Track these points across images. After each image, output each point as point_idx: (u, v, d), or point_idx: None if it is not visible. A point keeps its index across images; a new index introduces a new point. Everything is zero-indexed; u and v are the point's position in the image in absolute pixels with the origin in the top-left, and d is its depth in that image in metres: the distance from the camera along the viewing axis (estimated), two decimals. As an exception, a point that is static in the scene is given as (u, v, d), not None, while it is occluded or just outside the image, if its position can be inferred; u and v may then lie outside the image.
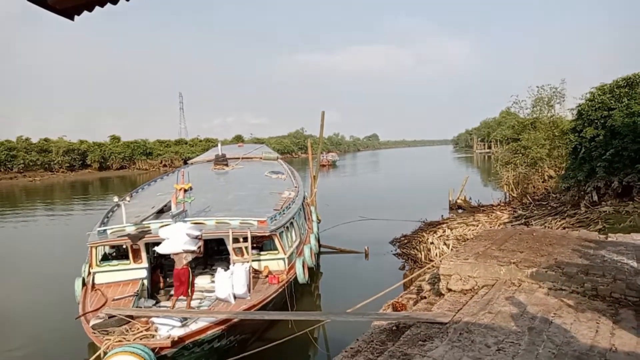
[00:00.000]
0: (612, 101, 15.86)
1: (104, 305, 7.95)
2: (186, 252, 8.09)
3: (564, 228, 12.02)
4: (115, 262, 9.34)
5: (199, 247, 8.29)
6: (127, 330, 6.66)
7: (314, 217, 15.45)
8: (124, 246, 9.33)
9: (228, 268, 8.61)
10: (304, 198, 14.45)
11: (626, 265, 6.49)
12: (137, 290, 8.59)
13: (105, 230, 9.21)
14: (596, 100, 16.43)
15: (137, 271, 9.12)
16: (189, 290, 8.16)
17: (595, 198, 15.41)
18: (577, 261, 6.80)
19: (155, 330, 6.71)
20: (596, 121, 15.99)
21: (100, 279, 9.07)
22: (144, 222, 9.26)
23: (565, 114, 24.67)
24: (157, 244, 10.34)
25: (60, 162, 63.71)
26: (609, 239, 8.50)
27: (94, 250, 9.12)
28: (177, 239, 8.08)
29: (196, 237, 8.30)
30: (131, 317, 7.00)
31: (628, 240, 8.18)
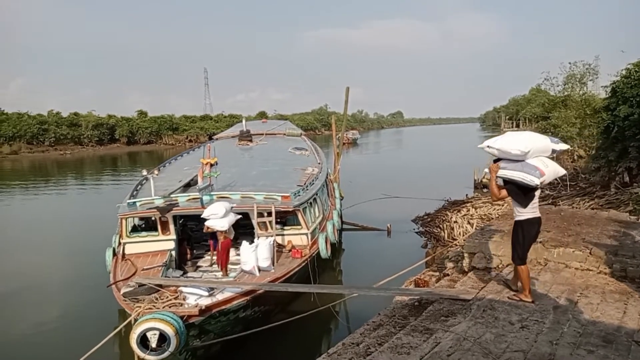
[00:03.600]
0: (650, 78, 15.18)
1: (133, 274, 8.21)
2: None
3: (593, 209, 11.75)
4: (144, 233, 9.61)
5: None
6: (156, 299, 6.87)
7: (337, 194, 15.48)
8: (153, 218, 9.58)
9: (253, 242, 8.76)
10: (327, 175, 14.48)
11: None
12: (166, 261, 8.83)
13: (134, 202, 9.46)
14: (632, 77, 15.72)
15: (165, 242, 9.37)
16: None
17: (627, 179, 14.96)
18: (605, 242, 6.68)
19: (184, 299, 6.91)
20: (631, 99, 15.33)
21: (130, 249, 9.36)
22: (172, 195, 9.47)
23: (599, 91, 23.77)
24: (185, 216, 10.61)
25: (89, 136, 64.99)
26: (640, 221, 8.31)
27: (124, 221, 9.39)
28: (228, 214, 8.52)
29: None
30: (160, 286, 7.22)
31: (661, 222, 7.97)
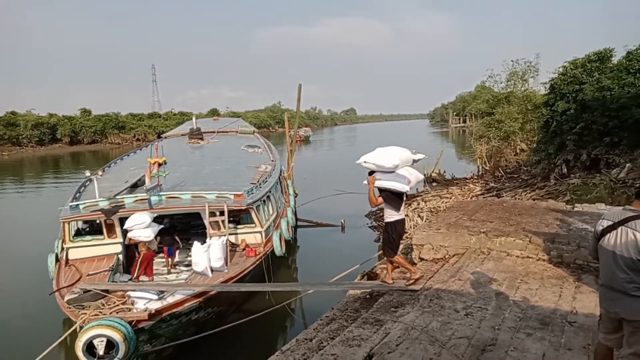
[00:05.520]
0: (583, 75, 16.15)
1: (78, 280, 7.87)
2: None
3: (534, 199, 12.39)
4: (89, 237, 9.21)
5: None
6: (103, 305, 6.63)
7: (291, 191, 15.49)
8: (98, 221, 9.20)
9: (205, 242, 8.61)
10: (280, 172, 14.44)
11: (590, 233, 6.76)
12: (112, 265, 8.52)
13: (77, 205, 9.04)
14: (568, 74, 16.70)
15: (111, 246, 9.02)
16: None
17: (565, 170, 15.87)
18: (544, 230, 7.06)
19: (132, 304, 6.70)
20: (568, 95, 16.29)
21: (74, 254, 8.95)
22: (117, 197, 9.13)
23: (539, 88, 25.02)
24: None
25: (29, 136, 61.39)
26: (576, 209, 8.83)
27: (66, 225, 8.97)
28: (150, 225, 8.31)
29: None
30: (107, 291, 6.97)
31: (593, 210, 8.51)
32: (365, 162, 5.90)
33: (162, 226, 8.92)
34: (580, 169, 15.31)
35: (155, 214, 8.78)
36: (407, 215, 14.77)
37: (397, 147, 6.08)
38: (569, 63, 17.12)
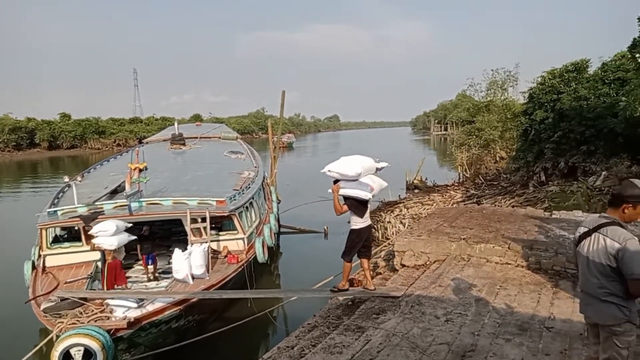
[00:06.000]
0: (561, 85, 16.54)
1: (55, 288, 7.71)
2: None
3: (513, 206, 12.59)
4: (67, 244, 9.04)
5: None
6: (80, 313, 6.51)
7: (274, 197, 15.44)
8: (76, 228, 9.04)
9: (186, 249, 8.52)
10: (263, 178, 14.41)
11: (567, 240, 6.90)
12: (91, 273, 8.37)
13: (55, 211, 8.88)
14: (546, 84, 17.09)
15: (90, 253, 8.85)
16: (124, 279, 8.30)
17: (543, 178, 16.19)
18: (522, 237, 7.18)
19: (111, 312, 6.59)
20: (546, 104, 16.65)
21: (51, 261, 8.77)
22: (96, 203, 8.99)
23: (518, 97, 25.51)
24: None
25: (6, 140, 60.12)
26: (553, 216, 9.00)
27: (44, 232, 8.79)
28: (120, 233, 8.12)
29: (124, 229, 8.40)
30: (85, 299, 6.84)
31: (570, 217, 8.69)
32: (329, 171, 6.01)
33: (134, 237, 8.67)
34: (558, 177, 15.63)
35: (131, 224, 8.62)
36: (389, 222, 14.90)
37: (360, 156, 6.16)
38: (547, 73, 17.52)
